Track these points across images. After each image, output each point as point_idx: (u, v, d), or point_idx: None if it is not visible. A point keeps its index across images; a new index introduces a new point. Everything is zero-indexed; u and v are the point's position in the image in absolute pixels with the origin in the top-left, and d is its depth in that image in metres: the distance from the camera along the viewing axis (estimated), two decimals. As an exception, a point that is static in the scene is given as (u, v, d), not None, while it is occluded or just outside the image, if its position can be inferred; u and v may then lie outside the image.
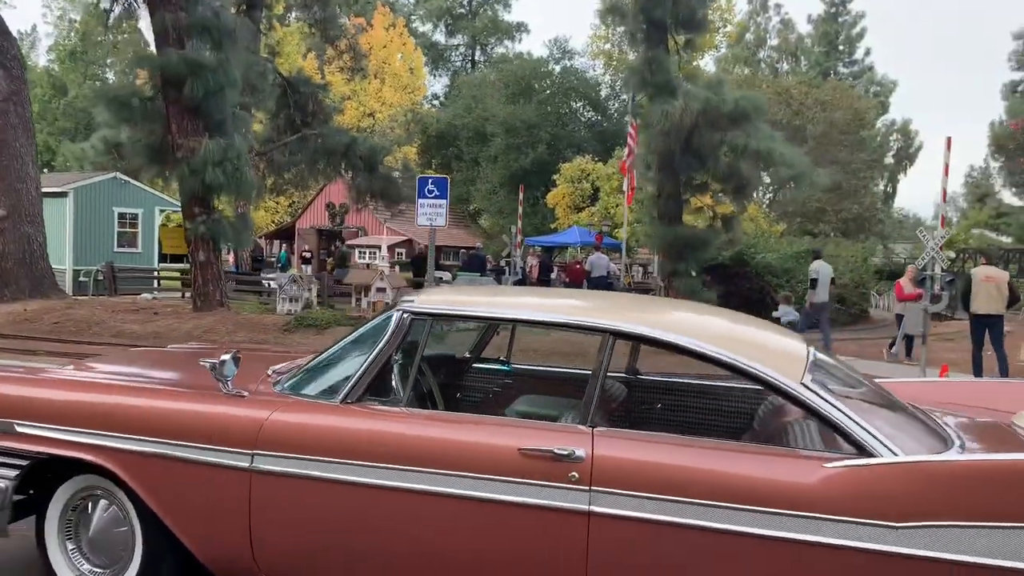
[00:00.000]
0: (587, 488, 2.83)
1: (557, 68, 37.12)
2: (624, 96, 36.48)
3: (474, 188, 36.61)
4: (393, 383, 3.31)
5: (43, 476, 3.55)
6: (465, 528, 2.96)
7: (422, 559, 3.03)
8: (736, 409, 3.85)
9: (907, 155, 54.12)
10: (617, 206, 29.25)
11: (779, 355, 3.05)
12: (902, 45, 79.50)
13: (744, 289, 18.56)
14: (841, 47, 56.88)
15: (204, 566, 3.34)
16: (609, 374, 4.10)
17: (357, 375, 3.24)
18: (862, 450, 2.74)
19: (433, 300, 3.43)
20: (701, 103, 11.54)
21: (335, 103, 26.10)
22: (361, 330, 3.71)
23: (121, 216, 20.91)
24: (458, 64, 58.03)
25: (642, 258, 28.38)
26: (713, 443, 2.98)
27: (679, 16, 12.33)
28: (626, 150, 21.21)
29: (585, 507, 2.83)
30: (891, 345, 12.69)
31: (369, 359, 3.25)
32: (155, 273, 21.18)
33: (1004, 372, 9.65)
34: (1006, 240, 43.36)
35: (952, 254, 37.28)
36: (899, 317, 12.56)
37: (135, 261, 20.75)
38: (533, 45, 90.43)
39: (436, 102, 53.53)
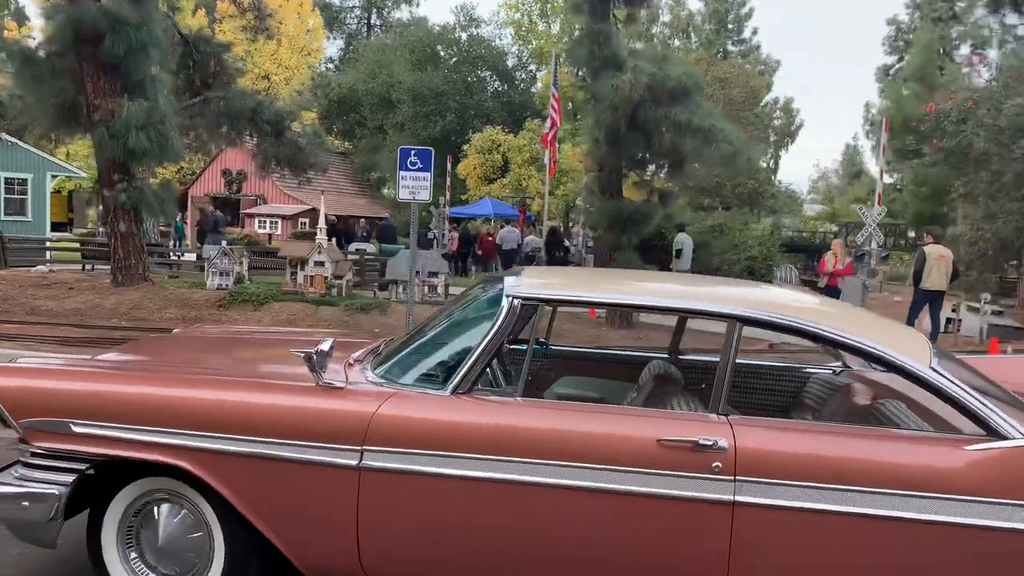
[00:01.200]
0: (732, 478, 2.80)
1: (464, 36, 36.57)
2: (532, 67, 36.46)
3: (379, 156, 35.76)
4: (504, 372, 3.16)
5: (98, 480, 3.20)
6: (599, 522, 2.87)
7: (549, 555, 2.93)
8: (827, 392, 3.88)
9: (789, 132, 56.71)
10: (530, 178, 29.30)
11: (907, 341, 3.09)
12: (784, 27, 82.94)
13: (661, 262, 19.10)
14: (731, 26, 58.73)
15: (295, 570, 3.12)
16: (688, 357, 4.13)
17: (468, 364, 3.06)
18: (992, 432, 2.82)
19: (540, 284, 3.28)
20: (648, 78, 11.61)
21: (239, 64, 24.78)
22: (455, 314, 3.52)
23: (8, 182, 19.22)
24: (353, 27, 56.32)
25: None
26: (845, 428, 3.01)
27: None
28: (548, 122, 21.24)
29: (730, 497, 2.80)
30: None
31: (481, 347, 3.07)
32: (47, 243, 19.63)
33: (934, 340, 10.38)
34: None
35: (835, 227, 39.51)
36: (824, 292, 13.17)
37: (24, 230, 19.14)
38: (432, 11, 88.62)
39: (331, 65, 51.80)
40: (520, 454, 2.89)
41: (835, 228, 39.00)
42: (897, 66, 52.72)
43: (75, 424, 3.08)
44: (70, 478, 3.13)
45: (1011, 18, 27.90)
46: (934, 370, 2.92)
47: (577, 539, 2.89)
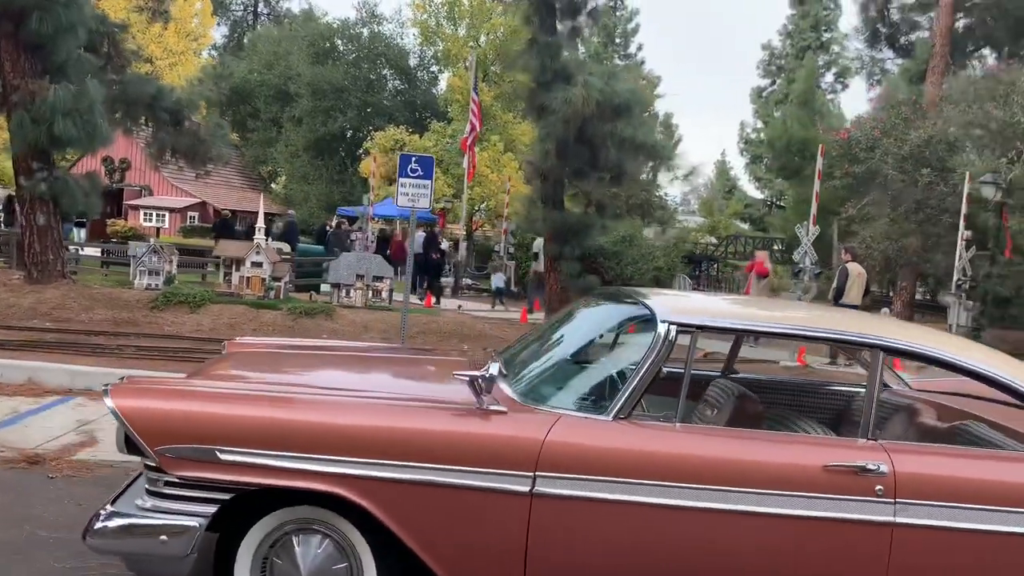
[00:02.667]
0: (892, 500, 2.97)
1: (365, 32, 35.92)
2: (435, 68, 36.27)
3: (273, 150, 34.56)
4: (661, 397, 3.22)
5: (233, 511, 3.01)
6: (765, 546, 2.98)
7: (709, 573, 3.01)
8: (889, 412, 4.12)
9: (667, 147, 59.02)
10: (436, 180, 29.13)
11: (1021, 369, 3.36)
12: (663, 45, 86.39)
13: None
14: (618, 40, 60.60)
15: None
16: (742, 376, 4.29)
17: (630, 390, 3.08)
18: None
19: (691, 310, 3.34)
20: (599, 93, 11.89)
21: (136, 47, 23.35)
22: (581, 331, 3.53)
23: None
24: (239, 14, 54.14)
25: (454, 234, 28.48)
26: (982, 452, 3.25)
27: (572, 3, 12.60)
28: (468, 127, 21.24)
29: (890, 519, 2.97)
30: None
31: (640, 373, 3.10)
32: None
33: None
34: (744, 226, 49.00)
35: (715, 240, 41.50)
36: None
37: None
38: (331, 4, 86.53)
39: (214, 53, 49.58)
40: (689, 480, 2.95)
41: (715, 240, 40.93)
42: (770, 89, 56.05)
43: (222, 452, 2.90)
44: (211, 509, 2.94)
45: (886, 52, 30.38)
46: (1053, 398, 3.21)
47: (745, 562, 2.98)
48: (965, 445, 3.44)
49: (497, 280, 18.22)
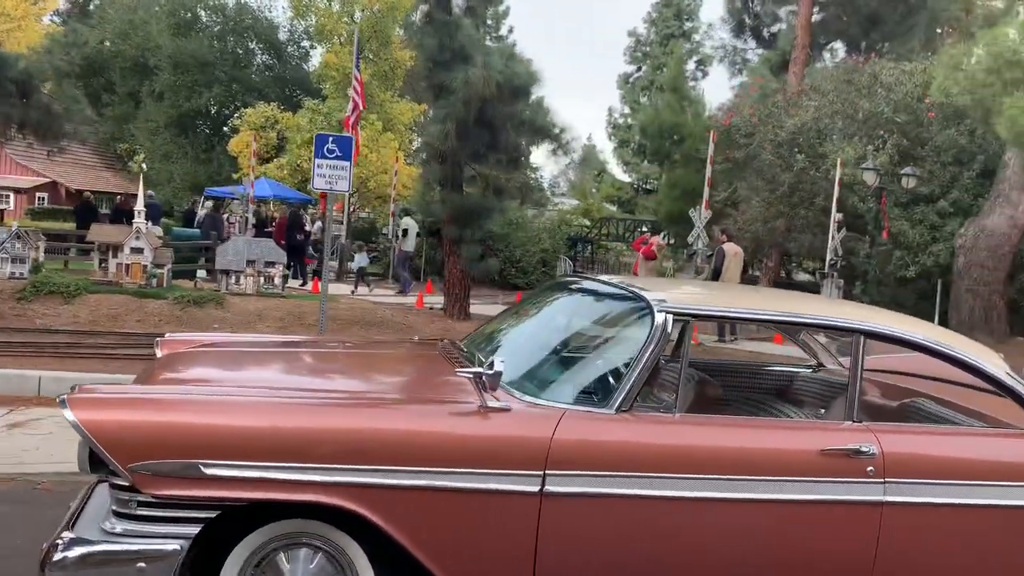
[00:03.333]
0: (882, 480, 3.08)
1: (231, 2, 34.00)
2: (305, 43, 34.88)
3: (131, 127, 32.28)
4: (660, 388, 3.18)
5: (215, 529, 2.74)
6: (765, 530, 3.02)
7: (724, 563, 3.02)
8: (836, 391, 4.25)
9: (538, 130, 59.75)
10: (309, 159, 28.12)
11: (989, 354, 3.54)
12: (534, 28, 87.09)
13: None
14: (490, 22, 60.51)
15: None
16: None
17: (630, 382, 3.02)
18: (1053, 427, 3.37)
19: (687, 300, 3.30)
20: (500, 75, 11.78)
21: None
22: (564, 320, 3.44)
23: None
24: (84, -23, 50.09)
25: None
26: (957, 429, 3.40)
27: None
28: (350, 105, 20.53)
29: (880, 498, 3.08)
30: None
31: (640, 364, 3.05)
32: None
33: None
34: (613, 208, 50.41)
35: (588, 222, 42.38)
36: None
37: None
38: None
39: (55, 18, 45.70)
40: (696, 471, 2.94)
41: (587, 222, 41.78)
42: (636, 75, 57.68)
43: (207, 466, 2.61)
44: (193, 529, 2.66)
45: (750, 43, 31.88)
46: (1010, 376, 3.42)
47: (752, 547, 3.01)
48: (920, 422, 3.61)
49: (360, 260, 17.95)
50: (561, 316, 3.65)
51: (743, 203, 17.15)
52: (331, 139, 6.85)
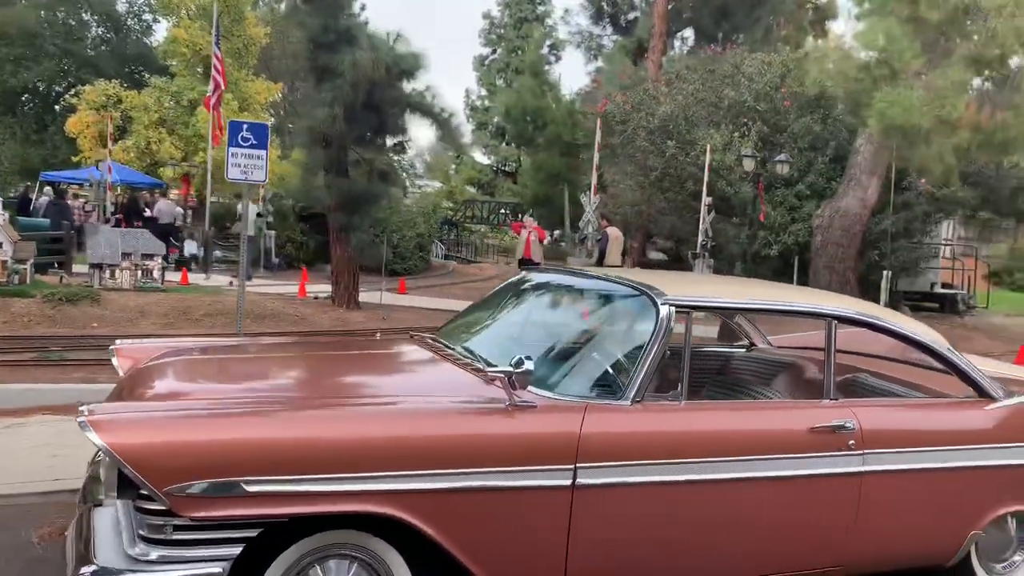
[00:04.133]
0: (861, 452, 3.39)
1: (59, -31, 31.14)
2: (147, 16, 32.60)
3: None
4: (667, 378, 3.32)
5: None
6: (767, 505, 3.26)
7: (738, 540, 3.23)
8: (777, 369, 4.56)
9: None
10: (161, 142, 26.43)
11: (936, 334, 3.91)
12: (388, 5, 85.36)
13: (324, 237, 19.01)
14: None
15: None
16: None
17: (642, 374, 3.14)
18: (984, 395, 3.82)
19: (688, 292, 3.44)
20: (388, 57, 11.61)
21: None
22: (580, 317, 3.53)
23: None
24: None
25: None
26: (921, 401, 3.77)
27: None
28: (211, 84, 19.45)
29: (859, 468, 3.39)
30: None
31: (649, 355, 3.18)
32: None
33: None
34: (473, 191, 50.80)
35: (452, 204, 42.40)
36: (521, 263, 14.39)
37: None
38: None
39: None
40: (709, 454, 3.13)
41: (451, 205, 41.80)
42: (492, 57, 58.03)
43: (249, 483, 2.51)
44: (235, 550, 2.55)
45: (608, 29, 32.86)
46: (950, 351, 3.83)
47: (760, 522, 3.24)
48: (865, 396, 3.98)
49: (190, 247, 17.58)
50: (560, 311, 3.73)
51: (611, 187, 17.74)
52: (245, 127, 6.51)
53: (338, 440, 2.67)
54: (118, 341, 4.01)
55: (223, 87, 19.39)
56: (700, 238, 14.56)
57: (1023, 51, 8.13)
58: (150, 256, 10.91)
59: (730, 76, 16.06)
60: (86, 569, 2.48)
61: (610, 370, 3.27)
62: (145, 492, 2.45)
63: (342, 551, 2.77)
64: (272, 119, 32.15)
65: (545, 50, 53.47)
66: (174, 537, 2.50)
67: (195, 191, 21.91)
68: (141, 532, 2.54)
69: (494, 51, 58.61)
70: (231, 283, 14.17)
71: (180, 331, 9.66)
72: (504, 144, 50.52)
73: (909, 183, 14.12)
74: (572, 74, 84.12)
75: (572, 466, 2.91)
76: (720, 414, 3.34)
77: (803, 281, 14.78)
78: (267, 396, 3.03)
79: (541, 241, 14.02)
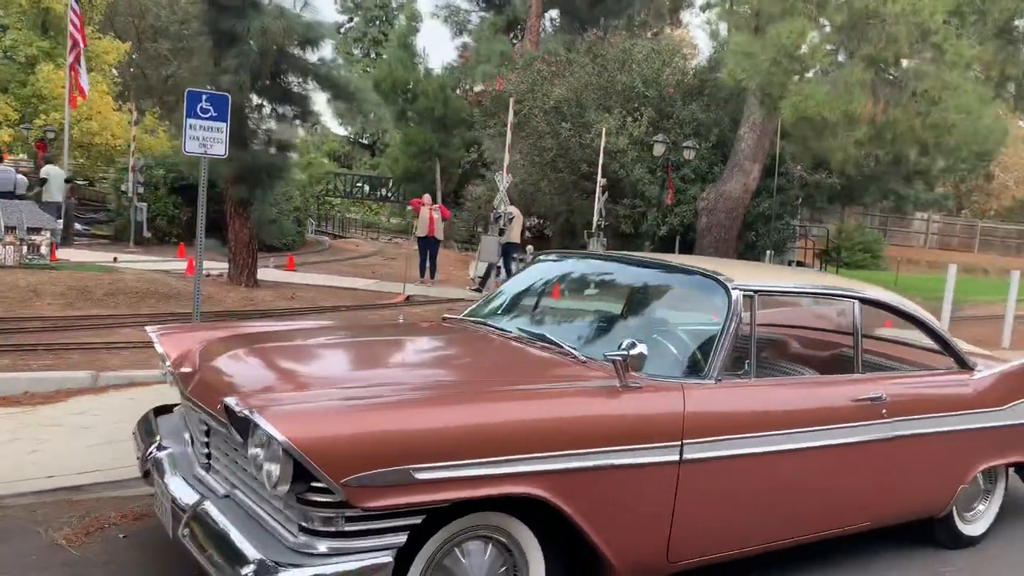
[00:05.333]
0: (891, 420, 3.81)
1: None
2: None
3: None
4: (738, 357, 3.55)
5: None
6: (828, 471, 3.62)
7: (801, 502, 3.56)
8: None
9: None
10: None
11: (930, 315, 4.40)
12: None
13: (211, 211, 18.12)
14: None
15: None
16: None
17: (722, 354, 3.37)
18: (964, 366, 4.36)
19: (752, 279, 3.67)
20: (299, 26, 11.19)
21: None
22: (657, 301, 3.72)
23: None
24: None
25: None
26: (924, 372, 4.23)
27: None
28: (69, 42, 17.81)
29: (890, 434, 3.80)
30: (483, 279, 13.74)
31: (726, 337, 3.41)
32: None
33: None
34: (326, 162, 49.60)
35: (308, 176, 41.06)
36: (422, 246, 14.27)
37: None
38: None
39: None
40: (785, 426, 3.43)
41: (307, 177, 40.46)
42: (348, 26, 56.46)
43: (418, 471, 2.51)
44: (401, 538, 2.56)
45: (480, 5, 32.82)
46: (942, 329, 4.34)
47: (824, 485, 3.60)
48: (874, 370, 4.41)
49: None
50: (633, 294, 3.88)
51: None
52: (204, 97, 6.09)
53: (498, 424, 2.72)
54: (154, 326, 3.79)
55: (83, 45, 17.78)
56: (595, 218, 15.06)
57: (913, 53, 9.08)
58: (36, 230, 9.97)
59: (620, 61, 16.62)
60: (245, 567, 2.40)
61: (696, 351, 3.48)
62: (319, 484, 2.40)
63: (481, 532, 2.82)
64: (119, 79, 29.81)
65: (403, 20, 52.65)
66: (346, 529, 2.47)
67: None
68: (304, 524, 2.48)
69: (350, 19, 57.09)
70: (115, 259, 13.17)
71: (82, 311, 8.96)
72: (362, 116, 49.35)
73: (785, 169, 15.27)
74: (434, 47, 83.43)
75: (679, 442, 3.10)
76: (785, 390, 3.64)
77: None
78: (414, 383, 3.03)
79: (445, 219, 14.01)
